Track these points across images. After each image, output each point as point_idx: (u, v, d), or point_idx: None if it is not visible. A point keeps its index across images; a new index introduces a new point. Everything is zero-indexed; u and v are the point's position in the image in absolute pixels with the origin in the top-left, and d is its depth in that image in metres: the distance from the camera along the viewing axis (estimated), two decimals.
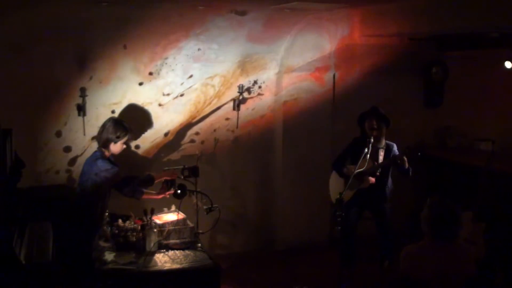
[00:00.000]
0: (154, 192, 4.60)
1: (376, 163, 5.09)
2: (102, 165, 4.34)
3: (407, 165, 4.97)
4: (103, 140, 4.44)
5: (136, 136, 5.63)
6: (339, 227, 4.43)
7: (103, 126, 4.48)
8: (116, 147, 4.48)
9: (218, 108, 6.09)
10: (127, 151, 4.55)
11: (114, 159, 4.56)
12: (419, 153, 4.92)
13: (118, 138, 4.43)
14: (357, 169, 4.74)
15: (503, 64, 5.89)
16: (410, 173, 5.08)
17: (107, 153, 4.45)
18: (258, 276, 5.64)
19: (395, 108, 6.53)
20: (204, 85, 5.92)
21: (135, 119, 5.50)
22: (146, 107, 5.71)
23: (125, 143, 4.56)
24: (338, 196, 4.56)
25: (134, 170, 5.35)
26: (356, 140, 5.32)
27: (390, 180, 5.26)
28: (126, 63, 5.50)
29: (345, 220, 4.94)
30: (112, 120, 4.54)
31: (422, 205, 3.48)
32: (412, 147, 5.03)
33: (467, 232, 4.64)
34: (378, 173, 5.11)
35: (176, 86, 5.80)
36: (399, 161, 4.98)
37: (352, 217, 5.18)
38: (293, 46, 6.05)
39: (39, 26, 5.01)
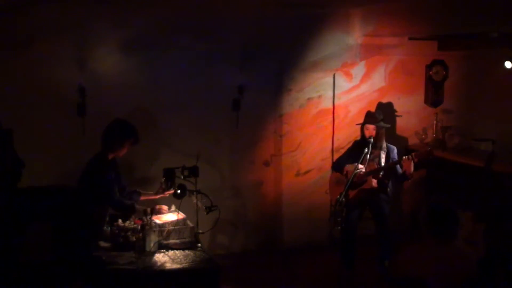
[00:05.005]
0: (152, 192, 4.61)
1: (378, 166, 5.08)
2: (101, 168, 4.30)
3: (412, 170, 4.93)
4: (107, 142, 4.31)
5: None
6: (339, 227, 4.42)
7: (108, 128, 4.32)
8: (120, 150, 4.36)
9: None
10: (129, 153, 4.51)
11: (116, 160, 4.51)
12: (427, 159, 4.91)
13: (123, 140, 4.30)
14: (357, 169, 4.77)
15: (503, 64, 5.88)
16: (410, 179, 5.06)
17: (110, 155, 4.36)
18: (258, 276, 5.64)
19: (395, 108, 6.56)
20: None
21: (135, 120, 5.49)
22: None
23: (129, 145, 4.40)
24: (339, 197, 4.57)
25: (134, 170, 5.36)
26: (357, 142, 5.33)
27: (390, 182, 5.25)
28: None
29: (346, 220, 4.93)
30: (118, 121, 4.37)
31: (422, 205, 3.47)
32: (421, 155, 4.95)
33: (467, 232, 4.64)
34: (380, 175, 5.10)
35: None
36: (400, 166, 4.97)
37: (353, 218, 5.16)
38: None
39: (38, 26, 5.00)
